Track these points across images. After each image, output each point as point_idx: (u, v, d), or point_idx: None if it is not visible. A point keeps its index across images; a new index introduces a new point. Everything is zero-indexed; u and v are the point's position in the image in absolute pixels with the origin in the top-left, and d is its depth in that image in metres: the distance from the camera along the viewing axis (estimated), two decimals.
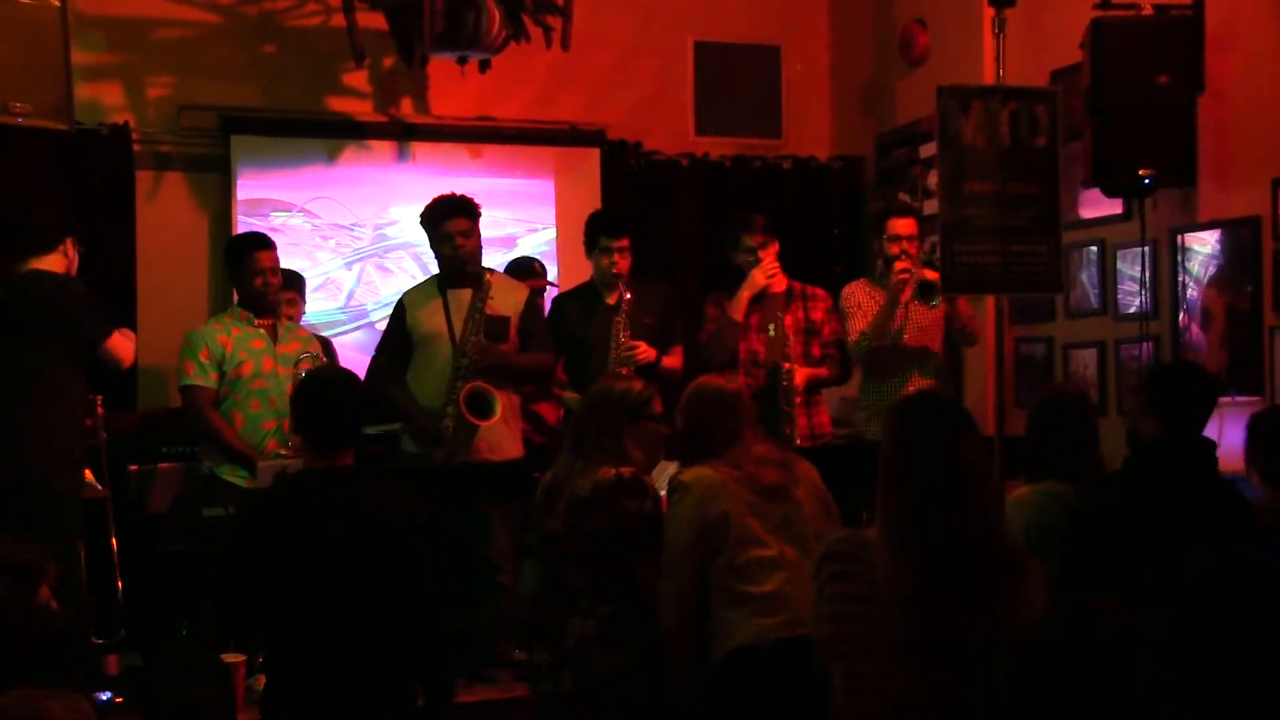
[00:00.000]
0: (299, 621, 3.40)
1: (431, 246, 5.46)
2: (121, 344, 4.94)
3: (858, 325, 5.54)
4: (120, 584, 4.89)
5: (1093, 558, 3.46)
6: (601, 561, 3.61)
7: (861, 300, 5.60)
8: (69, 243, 4.95)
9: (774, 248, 5.61)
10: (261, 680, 4.55)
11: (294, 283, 6.10)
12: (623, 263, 5.59)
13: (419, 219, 5.49)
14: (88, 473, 4.95)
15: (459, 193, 5.48)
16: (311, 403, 3.56)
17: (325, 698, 3.39)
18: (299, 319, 6.03)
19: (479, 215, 5.41)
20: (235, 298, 5.60)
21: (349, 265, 7.04)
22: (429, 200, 5.46)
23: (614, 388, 3.88)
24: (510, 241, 7.16)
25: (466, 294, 5.30)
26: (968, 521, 2.84)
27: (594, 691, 3.58)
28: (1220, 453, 4.76)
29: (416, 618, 3.42)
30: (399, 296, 5.65)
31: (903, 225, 5.52)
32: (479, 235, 5.40)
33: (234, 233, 6.44)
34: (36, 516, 4.58)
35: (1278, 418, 4.03)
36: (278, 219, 6.85)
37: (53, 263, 4.89)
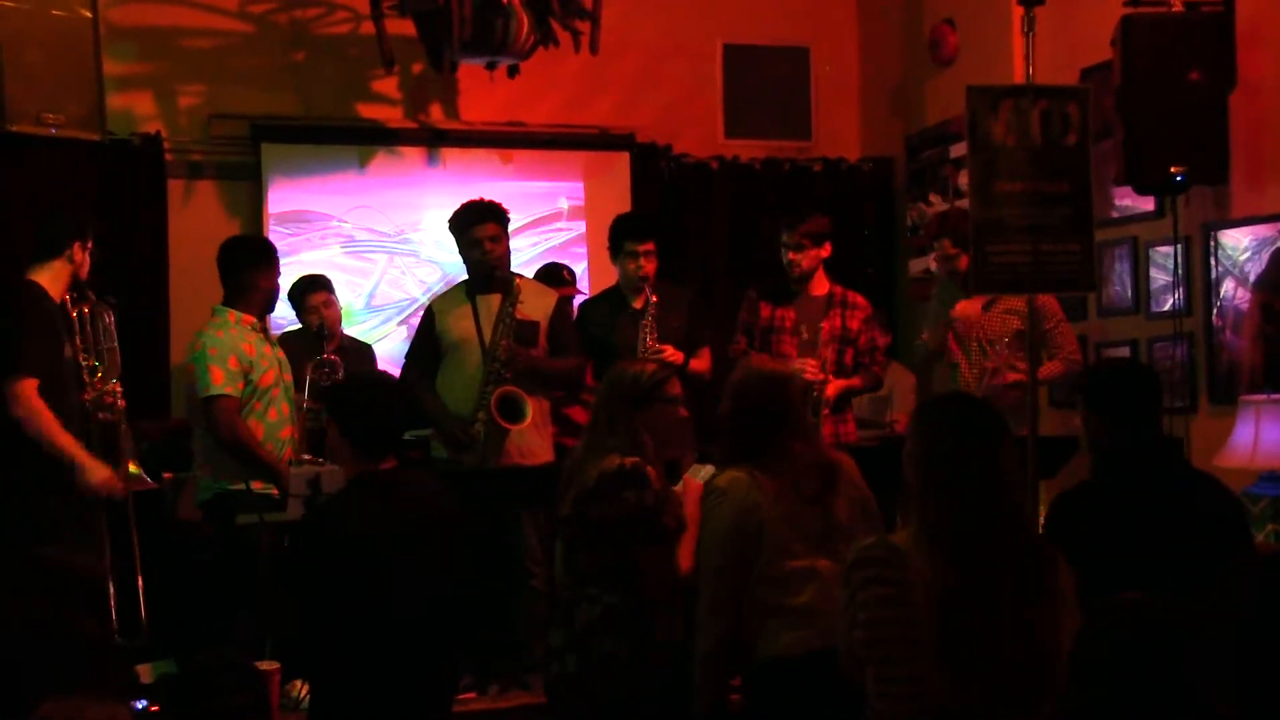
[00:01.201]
0: (367, 622, 3.48)
1: (460, 252, 5.47)
2: (24, 394, 4.54)
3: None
4: (141, 585, 4.85)
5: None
6: (605, 550, 3.60)
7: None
8: (74, 247, 4.81)
9: (814, 252, 5.55)
10: (297, 686, 4.59)
11: (324, 284, 6.11)
12: (648, 266, 5.59)
13: (447, 225, 5.50)
14: (131, 464, 4.86)
15: (487, 198, 5.49)
16: (359, 408, 3.65)
17: (381, 698, 3.47)
18: (338, 321, 6.06)
19: (508, 220, 5.43)
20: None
21: (380, 270, 7.07)
22: (457, 206, 5.48)
23: (626, 371, 3.82)
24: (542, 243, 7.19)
25: (495, 299, 5.31)
26: (1003, 523, 2.84)
27: (596, 675, 3.59)
28: (1258, 450, 4.74)
29: (461, 606, 3.59)
30: (428, 303, 5.67)
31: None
32: (507, 240, 5.41)
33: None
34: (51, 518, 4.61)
35: None
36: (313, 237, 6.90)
37: (55, 270, 4.79)
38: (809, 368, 5.24)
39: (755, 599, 3.47)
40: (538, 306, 5.39)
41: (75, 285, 4.90)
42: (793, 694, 3.42)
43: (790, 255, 5.51)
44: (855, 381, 5.52)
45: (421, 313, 5.80)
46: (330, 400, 3.94)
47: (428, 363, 5.40)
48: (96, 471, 4.61)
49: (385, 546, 3.50)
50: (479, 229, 5.33)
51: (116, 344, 4.97)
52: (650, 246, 5.60)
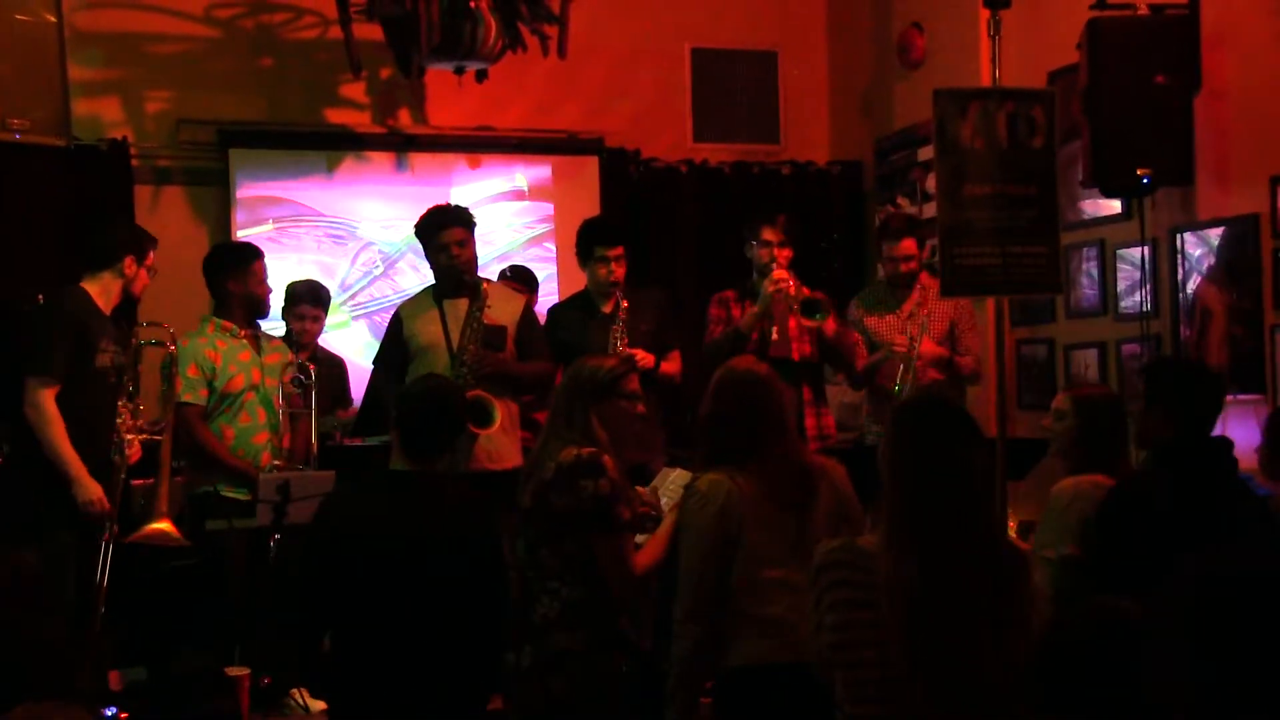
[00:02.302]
0: (372, 618, 3.50)
1: (427, 257, 5.47)
2: (41, 399, 4.61)
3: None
4: (104, 593, 4.82)
5: (1116, 556, 3.45)
6: (565, 543, 3.58)
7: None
8: (127, 260, 4.86)
9: (787, 254, 5.59)
10: (296, 695, 4.58)
11: (322, 299, 6.09)
12: (619, 271, 5.58)
13: (414, 230, 5.49)
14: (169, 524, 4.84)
15: (454, 203, 5.49)
16: (412, 410, 3.73)
17: (393, 699, 3.48)
18: (317, 336, 6.03)
19: (474, 225, 5.42)
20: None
21: (349, 274, 7.06)
22: (424, 211, 5.47)
23: (585, 364, 3.80)
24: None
25: (463, 304, 5.30)
26: (971, 525, 2.84)
27: (547, 670, 3.57)
28: None
29: (485, 623, 3.57)
30: (396, 308, 5.66)
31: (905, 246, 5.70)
32: (474, 245, 5.40)
33: None
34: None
35: None
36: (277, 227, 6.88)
37: (105, 281, 4.85)
38: (636, 356, 5.24)
39: (727, 606, 3.43)
40: (505, 311, 5.38)
41: (128, 300, 5.00)
42: (757, 705, 3.39)
43: (775, 251, 5.53)
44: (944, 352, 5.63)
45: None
46: (396, 404, 3.98)
47: (396, 367, 5.38)
48: (88, 489, 4.65)
49: (382, 547, 3.52)
50: (445, 234, 5.32)
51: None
52: (620, 251, 5.59)
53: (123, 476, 4.82)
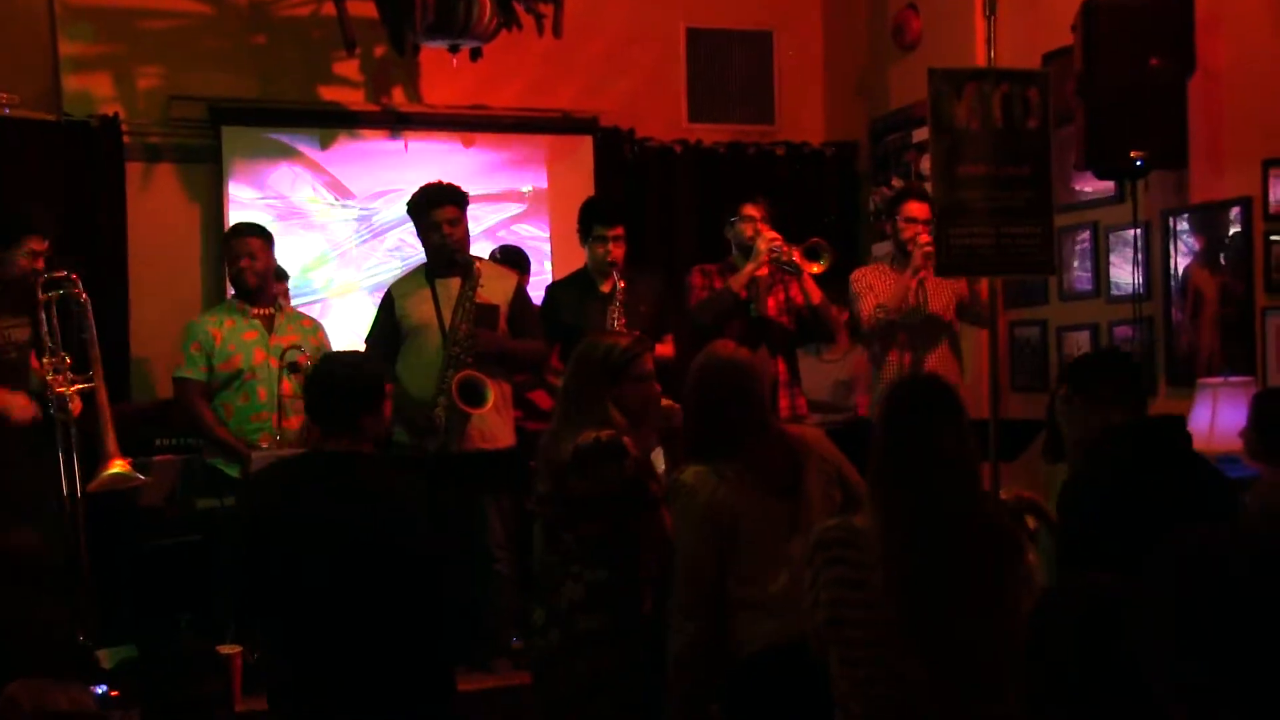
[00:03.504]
0: (302, 606, 3.40)
1: (419, 235, 5.45)
2: None
3: (870, 302, 5.54)
4: (88, 571, 4.82)
5: (1079, 535, 3.45)
6: (586, 526, 3.54)
7: (873, 281, 5.62)
8: (28, 242, 4.84)
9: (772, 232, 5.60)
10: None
11: (277, 274, 6.06)
12: (617, 251, 5.59)
13: (406, 208, 5.49)
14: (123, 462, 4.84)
15: (446, 181, 5.47)
16: (314, 386, 3.65)
17: (332, 685, 3.40)
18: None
19: (466, 203, 5.40)
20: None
21: (342, 252, 7.04)
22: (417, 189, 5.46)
23: (596, 345, 3.71)
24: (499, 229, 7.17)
25: (455, 283, 5.28)
26: (963, 505, 2.85)
27: (577, 651, 3.55)
28: (1214, 432, 4.79)
29: (418, 605, 3.44)
30: (388, 287, 5.63)
31: (918, 209, 5.54)
32: (466, 223, 5.38)
33: (225, 223, 6.43)
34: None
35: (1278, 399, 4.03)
36: (269, 205, 6.86)
37: (8, 262, 4.85)
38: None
39: (730, 596, 3.40)
40: (497, 290, 5.37)
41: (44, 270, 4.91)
42: (776, 687, 3.35)
43: (760, 227, 5.53)
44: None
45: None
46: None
47: (388, 347, 5.36)
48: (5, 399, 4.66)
49: (294, 525, 3.41)
50: (437, 212, 5.30)
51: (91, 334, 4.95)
52: (619, 231, 5.61)
53: (73, 432, 4.80)
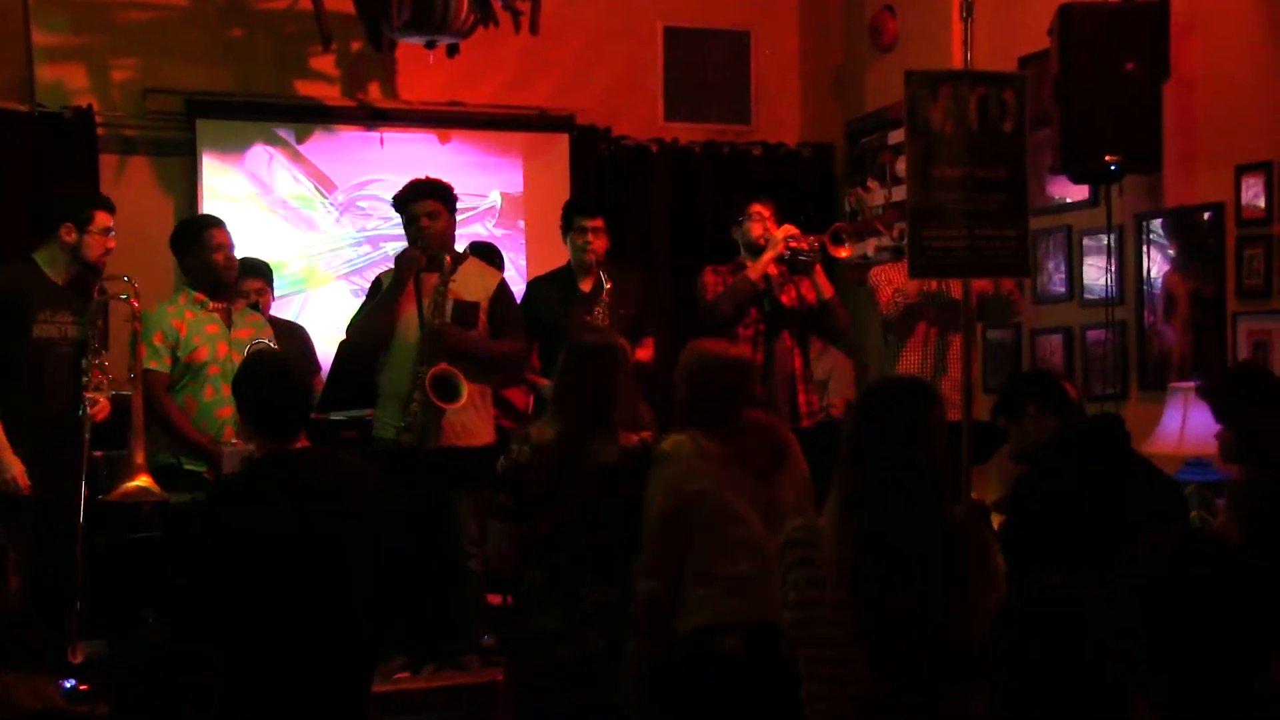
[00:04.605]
0: (266, 610, 3.38)
1: (404, 229, 5.42)
2: None
3: (888, 292, 5.60)
4: (81, 565, 4.79)
5: (1030, 536, 3.51)
6: (633, 526, 3.59)
7: (891, 275, 5.65)
8: (65, 228, 4.83)
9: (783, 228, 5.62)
10: None
11: (262, 272, 6.03)
12: (597, 243, 5.58)
13: (391, 203, 5.47)
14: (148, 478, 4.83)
15: (432, 176, 5.45)
16: (255, 390, 3.57)
17: (290, 684, 3.38)
18: (268, 309, 5.96)
19: (451, 199, 5.37)
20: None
21: (317, 251, 7.02)
22: (401, 184, 5.43)
23: (611, 346, 3.84)
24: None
25: (437, 277, 5.25)
26: (918, 507, 2.82)
27: (608, 656, 3.64)
28: (1184, 436, 4.81)
29: (376, 594, 3.47)
30: (376, 276, 5.60)
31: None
32: (447, 218, 5.34)
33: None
34: None
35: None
36: (242, 202, 6.83)
37: (51, 251, 4.85)
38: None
39: (695, 564, 3.49)
40: (479, 287, 5.32)
41: (86, 268, 4.92)
42: (721, 663, 3.42)
43: (770, 225, 5.56)
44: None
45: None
46: (234, 385, 3.77)
47: None
48: (7, 466, 4.61)
49: (289, 533, 3.38)
50: (418, 205, 5.27)
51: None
52: (599, 223, 5.60)
53: (87, 435, 4.78)
